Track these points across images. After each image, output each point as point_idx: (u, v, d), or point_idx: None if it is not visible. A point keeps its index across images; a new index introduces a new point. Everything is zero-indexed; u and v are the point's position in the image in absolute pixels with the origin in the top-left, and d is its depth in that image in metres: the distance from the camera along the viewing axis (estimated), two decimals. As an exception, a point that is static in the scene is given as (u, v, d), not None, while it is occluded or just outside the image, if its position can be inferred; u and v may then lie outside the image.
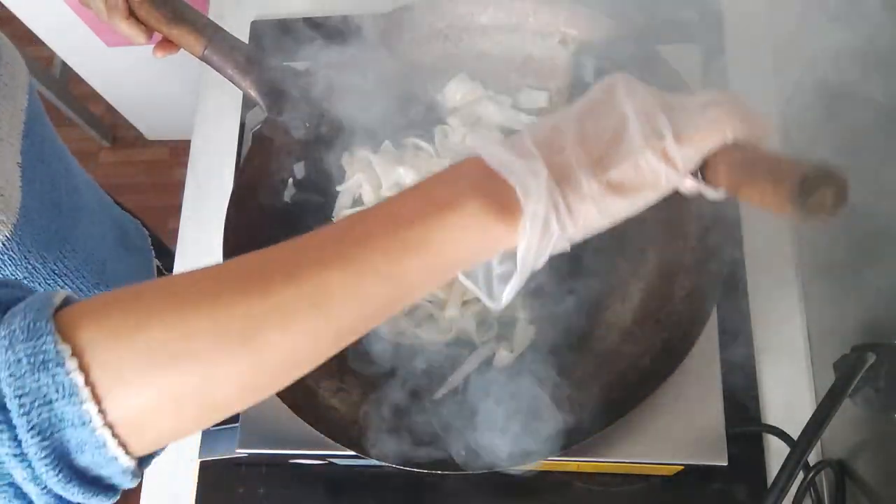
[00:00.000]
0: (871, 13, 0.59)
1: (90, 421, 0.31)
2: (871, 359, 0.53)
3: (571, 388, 0.62)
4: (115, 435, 0.32)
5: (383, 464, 0.58)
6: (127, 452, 0.33)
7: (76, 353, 0.32)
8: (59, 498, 0.33)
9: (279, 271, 0.36)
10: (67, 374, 0.31)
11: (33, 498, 0.32)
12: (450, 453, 0.58)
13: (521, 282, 0.40)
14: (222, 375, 0.34)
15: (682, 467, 0.64)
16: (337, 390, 0.63)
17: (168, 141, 1.93)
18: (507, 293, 0.40)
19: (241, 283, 0.35)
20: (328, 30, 0.75)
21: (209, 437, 0.72)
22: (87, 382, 0.32)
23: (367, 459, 0.58)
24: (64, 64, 1.61)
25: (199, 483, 0.75)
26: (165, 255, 0.95)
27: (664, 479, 0.69)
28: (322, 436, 0.58)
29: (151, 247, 0.95)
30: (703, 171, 0.40)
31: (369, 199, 0.71)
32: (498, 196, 0.37)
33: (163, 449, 0.37)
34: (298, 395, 0.61)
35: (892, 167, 0.56)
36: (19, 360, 0.31)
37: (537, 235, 0.37)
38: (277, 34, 0.89)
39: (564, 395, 0.62)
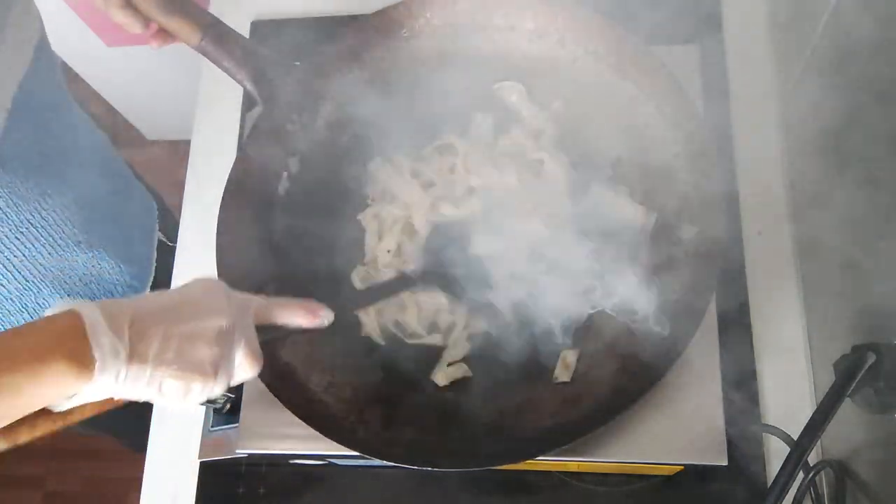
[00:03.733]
0: (868, 15, 0.59)
1: None
2: (871, 359, 0.53)
3: (566, 387, 0.62)
4: None
5: (382, 463, 0.58)
6: None
7: None
8: None
9: None
10: None
11: None
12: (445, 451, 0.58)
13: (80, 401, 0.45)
14: None
15: (682, 467, 0.64)
16: (328, 385, 0.63)
17: (168, 141, 1.93)
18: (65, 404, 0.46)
19: None
20: (326, 28, 0.75)
21: (209, 436, 0.72)
22: None
23: (367, 459, 0.58)
24: (64, 64, 1.61)
25: (199, 483, 0.75)
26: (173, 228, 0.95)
27: (664, 479, 0.69)
28: (322, 436, 0.58)
29: (157, 218, 0.95)
30: None
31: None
32: (81, 361, 0.43)
33: None
34: (289, 389, 0.61)
35: (891, 166, 0.56)
36: None
37: (101, 393, 0.44)
38: (277, 34, 0.89)
39: (558, 394, 0.62)
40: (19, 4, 0.65)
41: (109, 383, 0.44)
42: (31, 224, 0.70)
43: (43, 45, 0.69)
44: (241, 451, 0.64)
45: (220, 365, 0.48)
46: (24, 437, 0.46)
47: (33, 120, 0.68)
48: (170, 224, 0.96)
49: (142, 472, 0.78)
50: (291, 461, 0.73)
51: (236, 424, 0.65)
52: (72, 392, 0.43)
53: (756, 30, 0.85)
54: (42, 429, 0.46)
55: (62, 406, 0.45)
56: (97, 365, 0.43)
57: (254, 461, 0.74)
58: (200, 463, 0.75)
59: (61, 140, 0.73)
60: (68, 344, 0.43)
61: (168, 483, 0.76)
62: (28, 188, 0.68)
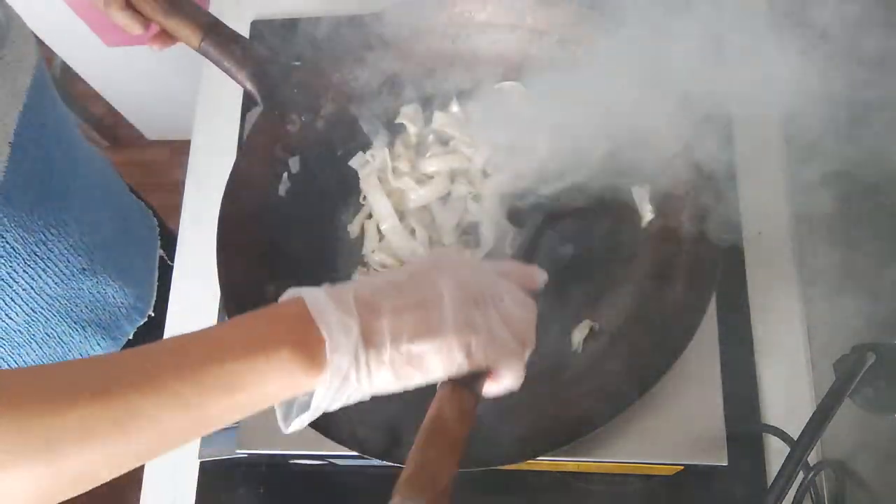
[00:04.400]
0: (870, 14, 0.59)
1: None
2: (871, 359, 0.53)
3: (563, 387, 0.62)
4: None
5: (382, 463, 0.58)
6: None
7: None
8: None
9: (89, 387, 0.36)
10: None
11: None
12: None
13: (311, 418, 0.42)
14: (18, 480, 0.34)
15: (682, 467, 0.64)
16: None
17: (168, 141, 1.93)
18: (295, 425, 0.43)
19: (51, 392, 0.35)
20: (326, 28, 0.75)
21: (209, 437, 0.71)
22: None
23: (367, 459, 0.58)
24: (64, 64, 1.61)
25: (199, 483, 0.75)
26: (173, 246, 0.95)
27: (664, 479, 0.69)
28: (322, 436, 0.58)
29: (158, 237, 0.95)
30: None
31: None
32: (308, 347, 0.39)
33: None
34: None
35: (893, 165, 0.56)
36: None
37: (335, 387, 0.40)
38: (277, 34, 0.89)
39: (557, 394, 0.62)
40: (15, 31, 0.65)
41: (344, 368, 0.39)
42: (38, 256, 0.70)
43: (41, 74, 0.69)
44: (241, 452, 0.64)
45: (481, 326, 0.42)
46: None
47: (36, 151, 0.67)
48: (170, 241, 0.96)
49: (142, 472, 0.78)
50: (291, 461, 0.73)
51: (237, 425, 0.65)
52: (300, 388, 0.39)
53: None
54: None
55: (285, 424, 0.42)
56: (327, 345, 0.39)
57: (254, 461, 0.74)
58: (200, 463, 0.75)
59: (64, 169, 0.73)
60: (291, 329, 0.39)
61: (168, 483, 0.76)
62: (33, 220, 0.68)
